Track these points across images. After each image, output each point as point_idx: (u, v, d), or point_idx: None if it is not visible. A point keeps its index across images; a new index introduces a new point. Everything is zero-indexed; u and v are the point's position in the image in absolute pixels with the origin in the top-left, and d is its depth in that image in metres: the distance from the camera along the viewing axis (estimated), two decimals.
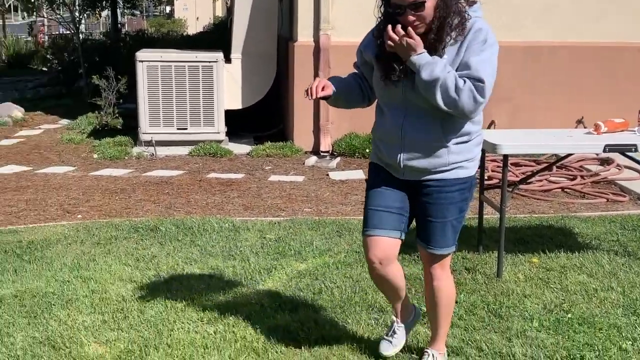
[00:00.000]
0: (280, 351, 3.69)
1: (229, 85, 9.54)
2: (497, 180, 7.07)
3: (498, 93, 9.05)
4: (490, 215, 5.67)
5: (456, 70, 2.95)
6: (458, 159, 3.13)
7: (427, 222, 3.23)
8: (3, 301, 4.36)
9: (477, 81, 2.89)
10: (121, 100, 10.74)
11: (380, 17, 3.10)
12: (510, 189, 5.21)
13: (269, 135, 9.69)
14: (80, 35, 16.02)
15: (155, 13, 45.44)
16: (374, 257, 3.29)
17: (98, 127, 10.57)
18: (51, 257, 5.17)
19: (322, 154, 9.06)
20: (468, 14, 2.99)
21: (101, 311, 4.23)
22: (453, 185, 3.15)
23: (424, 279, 3.45)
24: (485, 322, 4.02)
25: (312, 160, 8.67)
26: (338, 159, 8.78)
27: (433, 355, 3.44)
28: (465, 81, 2.89)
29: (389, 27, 2.89)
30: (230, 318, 4.08)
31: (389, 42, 2.91)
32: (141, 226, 5.91)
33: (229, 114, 9.53)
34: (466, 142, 3.14)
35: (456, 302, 4.20)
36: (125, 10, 18.95)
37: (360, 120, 8.01)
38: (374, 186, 3.33)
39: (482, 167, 5.14)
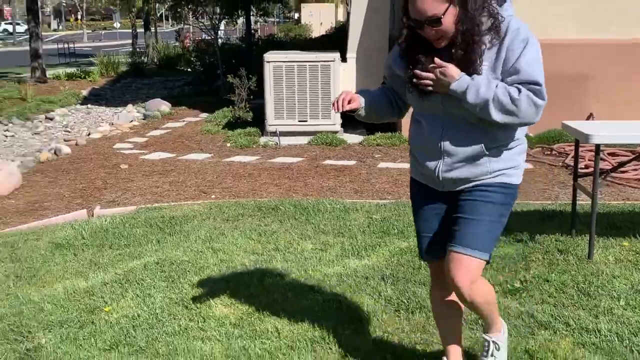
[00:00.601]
0: (382, 319, 3.71)
1: (345, 81, 9.61)
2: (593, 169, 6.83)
3: (597, 87, 8.94)
4: (585, 202, 5.47)
5: (501, 74, 2.51)
6: (500, 167, 2.66)
7: (459, 220, 2.69)
8: (147, 267, 4.60)
9: (533, 84, 2.46)
10: (252, 97, 10.98)
11: (404, 31, 2.65)
12: (602, 177, 5.03)
13: (379, 127, 9.70)
14: (219, 40, 16.52)
15: (285, 19, 46.33)
16: (437, 280, 2.91)
17: (232, 119, 10.87)
18: (188, 230, 5.41)
19: None
20: (501, 15, 2.51)
21: (227, 278, 4.38)
22: (495, 187, 2.66)
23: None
24: (574, 300, 3.89)
25: None
26: None
27: (491, 342, 2.95)
28: (519, 89, 2.44)
29: (417, 71, 2.51)
30: (337, 288, 4.14)
31: (425, 83, 2.50)
32: (264, 206, 6.07)
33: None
34: (509, 149, 2.68)
35: (547, 281, 4.12)
36: (258, 18, 19.31)
37: None
38: (417, 208, 2.92)
39: (575, 155, 5.04)
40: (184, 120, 11.81)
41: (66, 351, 3.48)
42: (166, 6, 23.12)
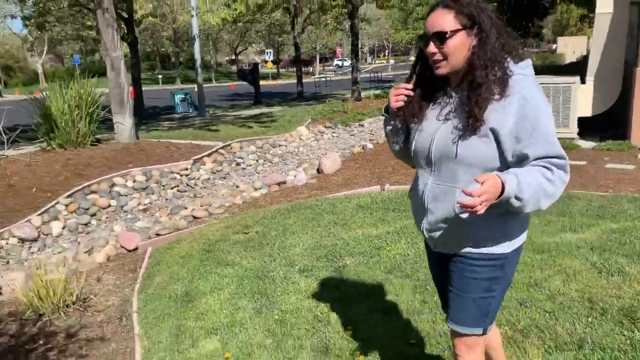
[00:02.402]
0: (586, 277, 3.57)
1: (582, 99, 8.98)
2: None
3: None
4: None
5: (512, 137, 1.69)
6: (483, 234, 1.81)
7: (449, 292, 1.95)
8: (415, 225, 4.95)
9: (559, 158, 1.69)
10: None
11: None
12: None
13: (611, 136, 8.89)
14: None
15: (543, 50, 43.66)
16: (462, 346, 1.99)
17: None
18: None
19: None
20: (510, 70, 1.72)
21: None
22: (478, 259, 1.84)
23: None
24: None
25: None
26: None
27: None
28: (551, 169, 1.68)
29: (461, 200, 1.60)
30: (554, 252, 4.03)
31: (479, 202, 1.55)
32: None
33: (581, 119, 9.01)
34: (500, 214, 1.77)
35: None
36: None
37: None
38: (429, 260, 2.14)
39: None
40: None
41: (361, 270, 4.02)
42: None
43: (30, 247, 5.52)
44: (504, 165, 1.75)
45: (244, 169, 8.96)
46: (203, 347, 3.18)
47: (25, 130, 9.49)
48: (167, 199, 7.27)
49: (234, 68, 44.45)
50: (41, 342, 3.57)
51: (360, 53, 23.16)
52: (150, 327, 3.57)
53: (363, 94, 19.62)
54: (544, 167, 1.69)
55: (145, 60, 49.96)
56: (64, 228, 6.01)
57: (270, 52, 32.87)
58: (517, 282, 3.56)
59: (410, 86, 1.89)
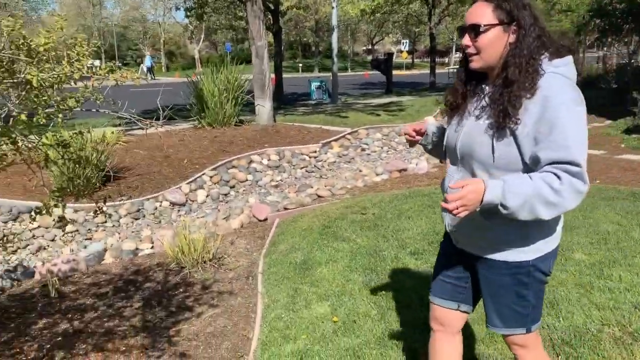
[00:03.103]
0: None
1: None
2: None
3: None
4: None
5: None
6: (503, 239, 1.71)
7: (482, 295, 1.88)
8: None
9: (571, 165, 1.51)
10: None
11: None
12: None
13: None
14: (633, 63, 14.78)
15: None
16: (432, 322, 2.05)
17: (630, 127, 9.86)
18: None
19: None
20: (542, 68, 1.60)
21: (586, 233, 4.27)
22: (502, 267, 1.75)
23: None
24: None
25: None
26: None
27: None
28: (558, 176, 1.52)
29: (443, 204, 1.55)
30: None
31: (454, 207, 1.52)
32: (637, 192, 5.63)
33: None
34: (521, 223, 1.63)
35: None
36: None
37: None
38: (440, 250, 2.07)
39: None
40: (590, 125, 11.10)
41: None
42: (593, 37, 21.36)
43: (179, 210, 6.22)
44: (528, 168, 1.63)
45: (368, 154, 9.16)
46: (315, 310, 3.44)
47: (181, 110, 10.54)
48: (295, 178, 7.71)
49: (370, 58, 44.71)
50: (181, 290, 4.08)
51: None
52: (271, 287, 3.92)
53: None
54: (552, 173, 1.53)
55: (288, 49, 52.04)
56: (207, 196, 6.67)
57: (406, 43, 32.59)
58: (636, 284, 3.37)
59: (413, 130, 1.93)
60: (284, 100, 17.06)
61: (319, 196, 6.70)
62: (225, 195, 6.86)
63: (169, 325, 3.51)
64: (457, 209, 1.52)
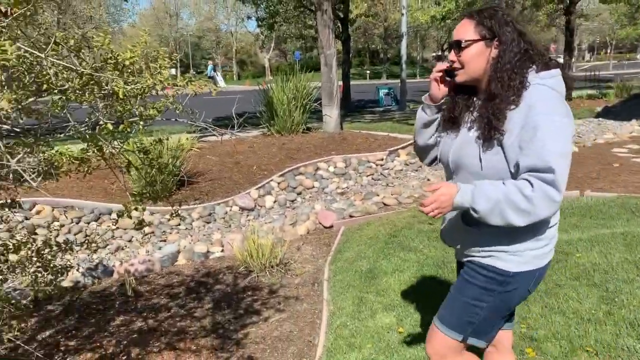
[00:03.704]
0: None
1: None
2: None
3: None
4: None
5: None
6: (491, 246, 1.76)
7: (450, 289, 1.94)
8: (613, 235, 4.53)
9: (546, 172, 1.53)
10: None
11: None
12: None
13: None
14: None
15: None
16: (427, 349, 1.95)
17: None
18: (612, 214, 5.07)
19: None
20: (528, 82, 1.65)
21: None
22: (482, 268, 1.78)
23: None
24: None
25: None
26: None
27: None
28: (531, 183, 1.55)
29: (421, 207, 1.66)
30: None
31: (429, 210, 1.63)
32: None
33: None
34: (508, 232, 1.69)
35: None
36: None
37: None
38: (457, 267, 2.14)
39: None
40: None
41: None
42: None
43: (247, 215, 6.38)
44: (515, 177, 1.65)
45: (436, 163, 8.99)
46: (380, 320, 3.42)
47: (251, 117, 10.81)
48: (362, 185, 7.71)
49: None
50: (249, 293, 4.18)
51: (576, 50, 21.13)
52: (337, 294, 3.93)
53: (575, 93, 18.02)
54: (526, 180, 1.57)
55: (356, 56, 52.19)
56: (275, 202, 6.80)
57: None
58: None
59: (443, 66, 1.79)
60: (351, 108, 17.12)
61: (385, 204, 6.66)
62: (292, 201, 6.96)
63: (238, 327, 3.61)
64: (433, 211, 1.62)
